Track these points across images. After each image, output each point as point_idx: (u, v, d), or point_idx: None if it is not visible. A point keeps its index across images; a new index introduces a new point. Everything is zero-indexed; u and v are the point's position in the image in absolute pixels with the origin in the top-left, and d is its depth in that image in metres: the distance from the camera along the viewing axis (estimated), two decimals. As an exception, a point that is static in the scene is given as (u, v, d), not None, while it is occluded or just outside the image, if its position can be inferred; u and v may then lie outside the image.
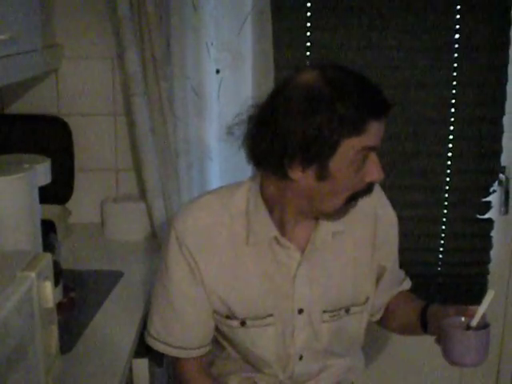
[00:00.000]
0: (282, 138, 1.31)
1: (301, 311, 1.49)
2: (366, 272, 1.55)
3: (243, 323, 1.49)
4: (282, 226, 1.45)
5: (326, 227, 1.45)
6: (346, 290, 1.53)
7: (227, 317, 1.50)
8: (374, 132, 1.30)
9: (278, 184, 1.39)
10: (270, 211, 1.44)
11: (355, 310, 1.55)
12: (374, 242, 1.54)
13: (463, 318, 1.39)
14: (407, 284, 1.71)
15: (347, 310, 1.53)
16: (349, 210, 1.41)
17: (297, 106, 1.29)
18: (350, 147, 1.29)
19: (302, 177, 1.33)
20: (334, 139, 1.28)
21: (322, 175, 1.32)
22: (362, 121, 1.28)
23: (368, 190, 1.39)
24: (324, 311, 1.51)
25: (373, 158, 1.34)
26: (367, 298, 1.57)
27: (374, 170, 1.34)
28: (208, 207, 1.47)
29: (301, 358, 1.54)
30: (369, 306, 1.58)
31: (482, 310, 1.36)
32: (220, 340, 1.59)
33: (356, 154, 1.30)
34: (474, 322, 1.35)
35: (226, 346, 1.58)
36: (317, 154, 1.30)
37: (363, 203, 1.44)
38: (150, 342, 1.55)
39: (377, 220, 1.54)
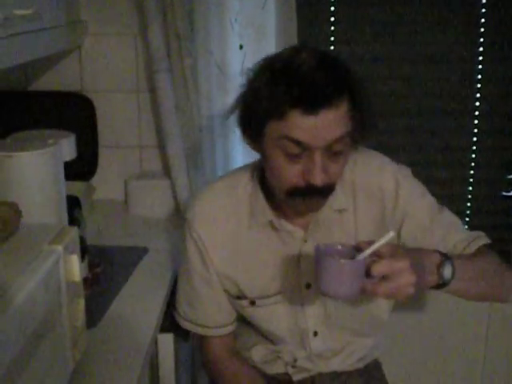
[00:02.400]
0: (238, 106, 1.38)
1: (308, 286, 1.50)
2: None
3: (253, 303, 1.52)
4: (279, 209, 1.46)
5: (329, 205, 1.44)
6: None
7: (238, 297, 1.53)
8: (300, 125, 1.25)
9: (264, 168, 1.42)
10: (269, 194, 1.46)
11: None
12: (383, 218, 1.48)
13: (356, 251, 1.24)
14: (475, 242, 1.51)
15: None
16: (311, 208, 1.39)
17: (251, 78, 1.35)
18: (273, 130, 1.29)
19: (253, 146, 1.39)
20: (260, 117, 1.30)
21: (261, 153, 1.37)
22: (281, 106, 1.25)
23: (310, 190, 1.31)
24: None
25: (312, 156, 1.27)
26: None
27: (310, 170, 1.28)
28: (215, 194, 1.52)
29: (315, 334, 1.54)
30: None
31: (374, 246, 1.19)
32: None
33: (278, 139, 1.28)
34: (362, 256, 1.20)
35: (246, 322, 1.60)
36: (251, 129, 1.35)
37: (367, 181, 1.46)
38: (178, 319, 1.59)
39: (384, 195, 1.48)
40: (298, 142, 1.26)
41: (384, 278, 1.18)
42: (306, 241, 1.47)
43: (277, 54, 1.35)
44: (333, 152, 1.29)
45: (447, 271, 1.28)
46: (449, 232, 1.49)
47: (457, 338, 2.52)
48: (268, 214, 1.46)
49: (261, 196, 1.47)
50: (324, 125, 1.24)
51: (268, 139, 1.31)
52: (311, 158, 1.27)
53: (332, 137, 1.26)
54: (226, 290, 1.54)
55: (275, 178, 1.36)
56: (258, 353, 1.62)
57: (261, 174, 1.48)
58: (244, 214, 1.49)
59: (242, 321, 1.61)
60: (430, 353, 2.53)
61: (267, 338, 1.59)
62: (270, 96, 1.26)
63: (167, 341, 1.61)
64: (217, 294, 1.54)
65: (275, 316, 1.53)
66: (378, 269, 1.17)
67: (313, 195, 1.32)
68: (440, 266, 1.28)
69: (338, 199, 1.44)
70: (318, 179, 1.27)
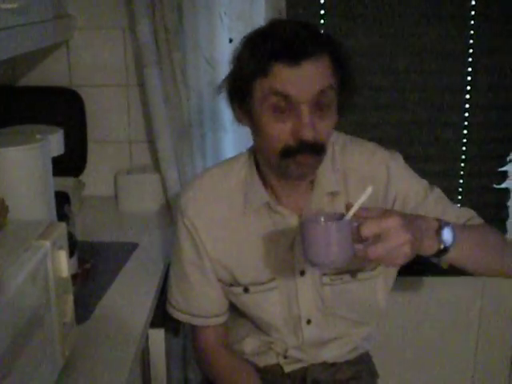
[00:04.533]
0: (225, 88, 1.41)
1: (303, 273, 1.50)
2: None
3: (246, 290, 1.52)
4: (275, 193, 1.47)
5: (321, 188, 1.45)
6: None
7: (231, 285, 1.53)
8: (284, 78, 1.27)
9: (254, 142, 1.44)
10: (264, 179, 1.47)
11: (364, 276, 1.52)
12: (375, 203, 1.44)
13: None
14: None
15: (353, 275, 1.51)
16: (304, 171, 1.37)
17: (232, 52, 1.39)
18: (260, 88, 1.31)
19: (243, 117, 1.40)
20: (246, 80, 1.33)
21: (251, 118, 1.37)
22: (264, 61, 1.28)
23: (301, 147, 1.31)
24: (324, 274, 1.50)
25: (298, 109, 1.28)
26: (379, 264, 1.52)
27: (298, 125, 1.29)
28: (208, 180, 1.52)
29: (309, 322, 1.54)
30: (382, 274, 1.55)
31: (356, 204, 1.17)
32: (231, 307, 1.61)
33: (266, 96, 1.30)
34: (347, 217, 1.17)
35: (238, 312, 1.60)
36: (240, 94, 1.36)
37: (359, 165, 1.47)
38: (170, 310, 1.59)
39: (375, 181, 1.46)
40: (284, 96, 1.28)
41: (375, 240, 1.14)
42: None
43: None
44: (319, 108, 1.30)
45: (447, 235, 1.25)
46: (444, 211, 1.48)
47: (448, 334, 2.53)
48: (264, 196, 1.46)
49: (256, 178, 1.47)
50: (307, 76, 1.28)
51: (256, 101, 1.33)
52: (298, 114, 1.29)
53: (316, 89, 1.28)
54: (219, 279, 1.54)
55: (267, 142, 1.35)
56: (250, 345, 1.62)
57: (256, 158, 1.48)
58: (238, 200, 1.48)
59: (234, 311, 1.61)
60: (420, 347, 2.53)
61: (259, 327, 1.59)
62: (253, 55, 1.31)
63: (158, 336, 1.61)
64: (209, 282, 1.53)
65: (269, 303, 1.52)
66: (366, 228, 1.13)
67: (305, 153, 1.32)
68: (439, 230, 1.25)
69: (329, 182, 1.45)
70: (308, 133, 1.28)
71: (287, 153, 1.33)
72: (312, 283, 1.50)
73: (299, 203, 1.46)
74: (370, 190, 1.16)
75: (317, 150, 1.34)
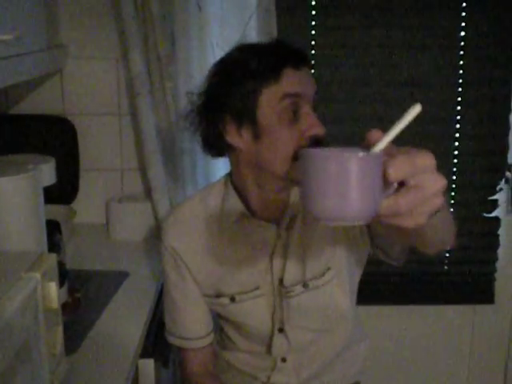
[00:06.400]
0: (213, 108, 1.41)
1: (281, 281, 1.50)
2: (331, 242, 1.49)
3: (233, 299, 1.53)
4: (251, 207, 1.49)
5: (296, 197, 1.45)
6: (312, 262, 1.49)
7: (217, 296, 1.55)
8: (293, 79, 1.36)
9: (234, 163, 1.47)
10: (240, 196, 1.49)
11: (316, 284, 1.50)
12: None
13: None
14: None
15: (305, 285, 1.50)
16: None
17: (216, 74, 1.42)
18: (271, 96, 1.35)
19: (240, 142, 1.39)
20: (252, 90, 1.35)
21: (256, 133, 1.37)
22: (275, 68, 1.35)
23: (313, 144, 1.35)
24: (282, 286, 1.50)
25: (306, 110, 1.37)
26: (328, 269, 1.49)
27: (310, 123, 1.36)
28: (187, 204, 1.58)
29: (281, 330, 1.54)
30: (335, 279, 1.51)
31: (396, 128, 0.86)
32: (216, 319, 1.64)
33: (279, 102, 1.34)
34: (379, 147, 0.83)
35: (222, 323, 1.64)
36: (242, 108, 1.36)
37: None
38: (165, 334, 1.64)
39: None
40: (295, 96, 1.34)
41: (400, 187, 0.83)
42: (279, 235, 1.48)
43: (224, 57, 1.45)
44: (312, 107, 1.39)
45: None
46: None
47: (439, 362, 2.53)
48: (240, 207, 1.48)
49: (233, 194, 1.49)
50: (307, 79, 1.40)
51: (265, 109, 1.36)
52: (306, 115, 1.36)
53: (313, 90, 1.40)
54: (205, 294, 1.56)
55: (278, 149, 1.36)
56: (235, 378, 1.64)
57: (232, 181, 1.51)
58: (215, 218, 1.52)
59: (222, 348, 1.64)
60: (412, 376, 2.53)
61: (244, 337, 1.60)
62: (260, 65, 1.35)
63: (148, 366, 1.60)
64: (193, 303, 1.57)
65: (256, 310, 1.54)
66: (396, 169, 0.80)
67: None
68: None
69: None
70: (320, 129, 1.36)
71: None
72: (292, 290, 1.50)
73: (275, 214, 1.48)
74: (418, 107, 0.89)
75: (323, 142, 1.38)
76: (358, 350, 1.66)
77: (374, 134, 0.84)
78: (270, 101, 1.35)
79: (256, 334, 1.58)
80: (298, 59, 1.38)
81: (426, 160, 0.83)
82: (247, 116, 1.37)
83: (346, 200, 0.79)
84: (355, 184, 0.78)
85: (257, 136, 1.38)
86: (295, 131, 1.35)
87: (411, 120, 0.86)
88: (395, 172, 0.80)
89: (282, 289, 1.51)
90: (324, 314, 1.56)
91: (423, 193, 0.82)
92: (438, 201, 0.83)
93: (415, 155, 0.83)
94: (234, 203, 1.49)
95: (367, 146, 0.83)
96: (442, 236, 1.11)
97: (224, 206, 1.50)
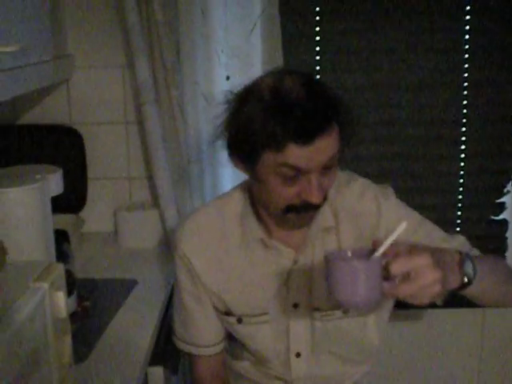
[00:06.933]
0: (227, 131, 1.38)
1: (296, 305, 1.50)
2: None
3: (240, 320, 1.53)
4: (270, 229, 1.48)
5: (317, 224, 1.46)
6: None
7: (226, 313, 1.55)
8: (297, 155, 1.27)
9: (251, 182, 1.45)
10: (259, 214, 1.48)
11: (354, 313, 1.51)
12: (366, 238, 1.43)
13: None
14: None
15: (345, 311, 1.50)
16: (304, 222, 1.42)
17: (239, 105, 1.34)
18: (270, 160, 1.30)
19: (244, 170, 1.40)
20: (255, 147, 1.31)
21: (254, 176, 1.38)
22: (279, 140, 1.27)
23: (306, 207, 1.35)
24: (315, 309, 1.50)
25: (308, 178, 1.31)
26: None
27: (308, 190, 1.31)
28: (203, 216, 1.55)
29: (298, 355, 1.54)
30: (374, 311, 1.54)
31: (388, 241, 1.11)
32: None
33: (276, 167, 1.30)
34: (377, 254, 1.11)
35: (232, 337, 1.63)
36: (244, 156, 1.36)
37: (348, 205, 1.48)
38: (174, 340, 1.63)
39: (366, 218, 1.49)
40: (296, 168, 1.29)
41: (404, 278, 1.10)
42: (296, 261, 1.48)
43: (261, 80, 1.35)
44: (325, 170, 1.33)
45: (468, 267, 1.22)
46: (436, 244, 1.43)
47: (449, 366, 2.52)
48: (259, 232, 1.47)
49: (251, 214, 1.48)
50: (319, 151, 1.28)
51: (263, 166, 1.33)
52: (308, 180, 1.31)
53: (326, 159, 1.30)
54: (215, 307, 1.56)
55: (271, 199, 1.38)
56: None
57: (250, 193, 1.50)
58: (233, 231, 1.50)
59: (233, 357, 1.63)
60: (421, 381, 2.52)
61: (256, 366, 1.60)
62: (265, 130, 1.27)
63: (157, 374, 1.60)
64: (205, 311, 1.56)
65: (261, 335, 1.53)
66: (397, 267, 1.09)
67: (308, 211, 1.37)
68: (461, 263, 1.22)
69: (324, 218, 1.46)
70: (317, 199, 1.32)
71: (291, 209, 1.36)
72: (305, 316, 1.51)
73: (295, 238, 1.48)
74: (404, 225, 1.10)
75: (320, 206, 1.38)
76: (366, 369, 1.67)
77: (375, 243, 1.12)
78: (269, 162, 1.31)
79: (263, 359, 1.57)
80: (310, 133, 1.26)
81: (422, 259, 1.09)
82: (248, 163, 1.36)
83: (354, 291, 1.10)
84: (361, 280, 1.09)
85: (254, 178, 1.39)
86: (290, 190, 1.33)
87: (400, 234, 1.11)
88: (396, 269, 1.09)
89: (314, 312, 1.50)
90: (357, 344, 1.57)
91: (419, 283, 1.09)
92: (436, 288, 1.10)
93: (413, 257, 1.10)
94: (253, 226, 1.48)
95: (372, 251, 1.12)
96: (496, 297, 1.40)
97: (242, 222, 1.50)
